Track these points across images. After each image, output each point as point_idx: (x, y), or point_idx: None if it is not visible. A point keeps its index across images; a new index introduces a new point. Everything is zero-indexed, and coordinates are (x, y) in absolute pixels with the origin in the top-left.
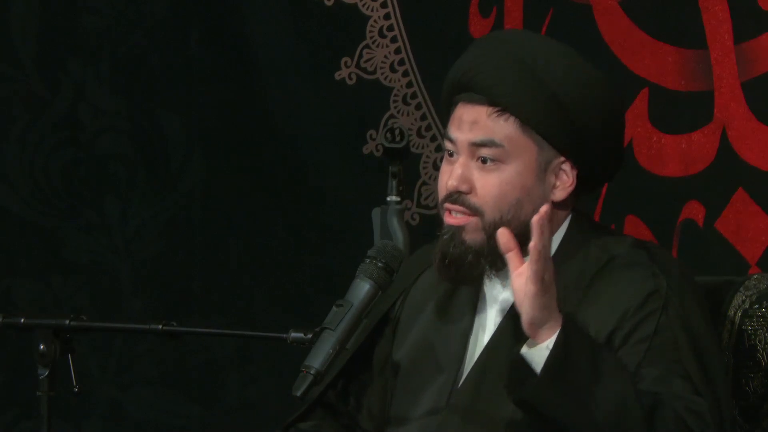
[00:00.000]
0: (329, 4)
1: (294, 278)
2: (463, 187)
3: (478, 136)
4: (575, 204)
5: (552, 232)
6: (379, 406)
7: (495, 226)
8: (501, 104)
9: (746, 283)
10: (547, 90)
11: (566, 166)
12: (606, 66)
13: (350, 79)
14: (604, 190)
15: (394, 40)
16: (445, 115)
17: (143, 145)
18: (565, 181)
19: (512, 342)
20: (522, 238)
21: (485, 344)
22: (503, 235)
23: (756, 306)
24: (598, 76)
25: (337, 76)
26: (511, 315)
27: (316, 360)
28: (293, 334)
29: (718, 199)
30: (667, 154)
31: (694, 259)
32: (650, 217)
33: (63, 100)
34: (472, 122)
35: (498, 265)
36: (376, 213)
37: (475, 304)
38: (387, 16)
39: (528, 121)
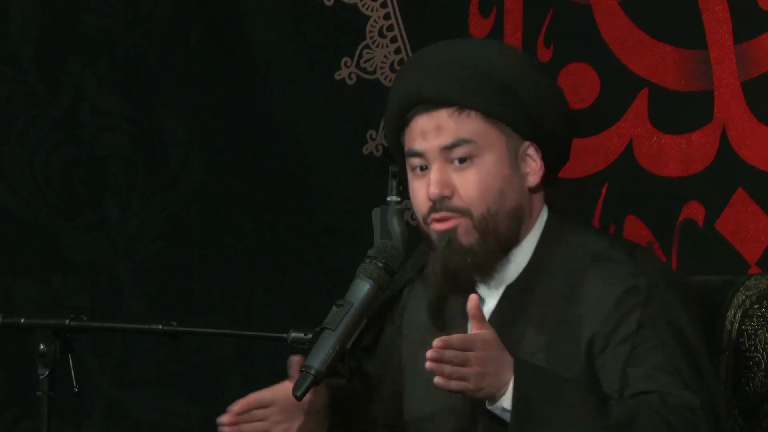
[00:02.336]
0: (329, 4)
1: (294, 278)
2: (446, 191)
3: (447, 139)
4: (547, 196)
5: (532, 224)
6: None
7: (485, 222)
8: (458, 102)
9: (746, 283)
10: (495, 78)
11: (531, 151)
12: (606, 66)
13: (350, 79)
14: (603, 190)
15: (394, 40)
16: (393, 141)
17: (143, 144)
18: (534, 166)
19: None
20: (508, 232)
21: None
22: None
23: (756, 306)
24: (530, 57)
25: (337, 76)
26: (494, 324)
27: (316, 360)
28: (293, 334)
29: (718, 199)
30: (667, 154)
31: (694, 259)
32: (650, 217)
33: (62, 99)
34: (436, 128)
35: (488, 267)
36: (376, 213)
37: (467, 313)
38: (387, 16)
39: (489, 112)
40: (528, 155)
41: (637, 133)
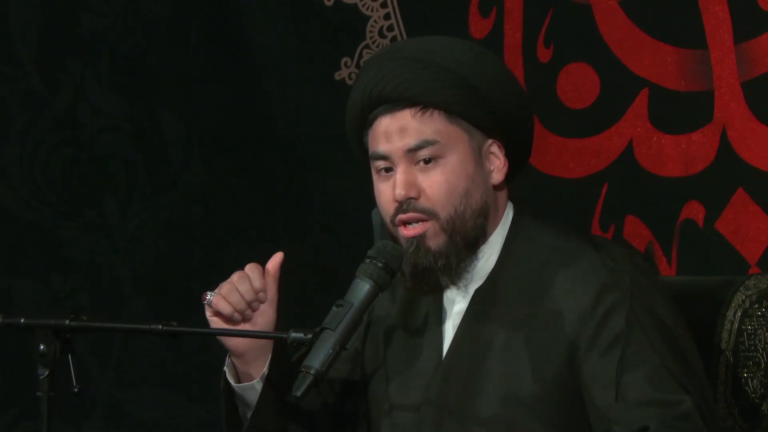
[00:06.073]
0: (329, 4)
1: (294, 278)
2: (412, 193)
3: (410, 141)
4: (510, 192)
5: (498, 221)
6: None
7: (453, 222)
8: (421, 101)
9: (746, 283)
10: (457, 76)
11: (495, 148)
12: (606, 66)
13: (350, 79)
14: (603, 190)
15: (394, 40)
16: (355, 143)
17: (143, 145)
18: (498, 164)
19: (470, 348)
20: (475, 231)
21: (445, 353)
22: None
23: (756, 306)
24: (492, 54)
25: (337, 76)
26: (467, 323)
27: (316, 360)
28: (293, 334)
29: (718, 199)
30: (667, 154)
31: (694, 259)
32: (650, 217)
33: (63, 99)
34: (400, 129)
35: (458, 266)
36: (376, 213)
37: (439, 314)
38: (387, 16)
39: (451, 110)
40: (492, 152)
41: (637, 133)
